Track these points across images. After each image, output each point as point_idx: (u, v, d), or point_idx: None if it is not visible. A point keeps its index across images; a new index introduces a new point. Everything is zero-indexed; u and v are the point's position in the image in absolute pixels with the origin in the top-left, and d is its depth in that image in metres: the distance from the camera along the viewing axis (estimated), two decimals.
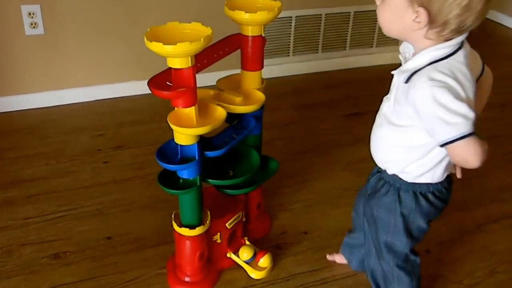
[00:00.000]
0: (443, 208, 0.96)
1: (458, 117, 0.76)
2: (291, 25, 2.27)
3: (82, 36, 1.96)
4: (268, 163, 1.32)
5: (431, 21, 0.76)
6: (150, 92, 0.98)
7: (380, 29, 2.60)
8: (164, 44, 0.88)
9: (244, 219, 1.29)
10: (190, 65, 0.95)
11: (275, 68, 2.34)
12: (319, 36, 2.36)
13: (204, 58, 1.07)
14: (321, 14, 2.29)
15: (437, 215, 0.97)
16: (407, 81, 0.80)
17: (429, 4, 0.75)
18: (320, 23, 2.32)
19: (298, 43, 2.34)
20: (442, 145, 0.80)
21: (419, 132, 0.83)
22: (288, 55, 2.36)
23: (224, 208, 1.23)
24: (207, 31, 0.95)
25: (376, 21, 2.40)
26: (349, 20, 2.36)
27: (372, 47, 2.48)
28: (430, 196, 0.92)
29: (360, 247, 1.19)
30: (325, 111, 2.08)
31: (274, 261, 1.28)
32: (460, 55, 0.80)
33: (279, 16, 2.35)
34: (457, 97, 0.76)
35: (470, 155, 0.78)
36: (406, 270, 1.03)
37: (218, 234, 1.21)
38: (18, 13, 1.84)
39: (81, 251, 1.32)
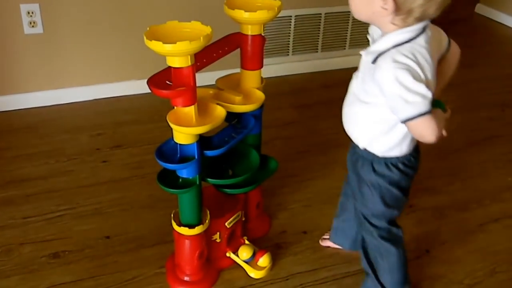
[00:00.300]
0: (413, 175, 1.05)
1: (417, 97, 0.84)
2: (290, 24, 2.28)
3: (81, 35, 1.96)
4: (268, 163, 1.33)
5: (397, 9, 0.84)
6: (149, 91, 0.99)
7: None
8: (163, 43, 0.89)
9: (243, 219, 1.29)
10: (189, 64, 0.95)
11: (275, 67, 2.34)
12: (318, 36, 2.37)
13: (203, 57, 1.08)
14: (320, 14, 2.30)
15: (409, 182, 1.05)
16: (373, 61, 0.88)
17: None
18: (320, 22, 2.32)
19: (298, 42, 2.35)
20: (402, 122, 0.88)
21: (383, 108, 0.91)
22: (288, 55, 2.36)
23: (224, 207, 1.23)
24: (207, 30, 0.96)
25: None
26: (348, 20, 2.36)
27: None
28: (401, 166, 1.01)
29: (350, 228, 1.26)
30: (325, 110, 2.09)
31: (274, 260, 1.29)
32: (422, 39, 0.87)
33: (278, 15, 2.35)
34: (417, 78, 0.83)
35: (427, 131, 0.87)
36: (391, 242, 1.10)
37: (218, 233, 1.21)
38: (17, 12, 1.84)
39: (80, 250, 1.33)
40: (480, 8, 3.34)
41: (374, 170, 1.01)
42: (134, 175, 1.63)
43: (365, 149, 1.02)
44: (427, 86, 0.84)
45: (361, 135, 1.02)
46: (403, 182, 1.03)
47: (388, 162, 1.00)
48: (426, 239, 1.41)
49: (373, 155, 1.01)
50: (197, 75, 1.00)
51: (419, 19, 0.86)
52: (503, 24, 3.11)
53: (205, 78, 1.35)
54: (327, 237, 1.38)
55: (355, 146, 1.06)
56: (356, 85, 0.99)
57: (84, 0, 1.91)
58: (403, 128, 0.94)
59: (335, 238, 1.34)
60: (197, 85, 1.01)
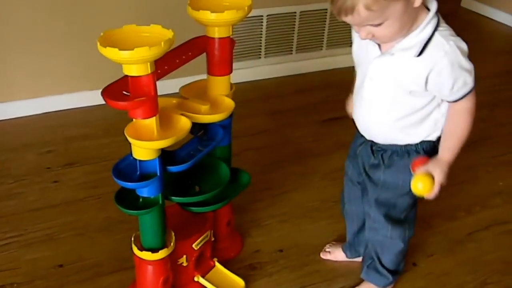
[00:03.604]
0: None
1: (471, 73, 0.99)
2: (262, 25, 2.31)
3: (27, 43, 1.92)
4: (239, 176, 1.34)
5: None
6: (104, 102, 0.98)
7: None
8: (120, 49, 0.89)
9: (213, 239, 1.29)
10: (149, 72, 0.95)
11: (246, 71, 2.36)
12: (293, 36, 2.40)
13: (165, 64, 1.08)
14: (295, 12, 2.33)
15: None
16: (420, 53, 0.96)
17: None
18: (294, 21, 2.36)
19: (271, 44, 2.38)
20: (456, 101, 1.01)
21: (423, 98, 1.02)
22: (260, 57, 2.39)
23: (191, 227, 1.23)
24: (168, 34, 0.96)
25: None
26: (325, 18, 2.41)
27: (351, 46, 2.53)
28: (435, 149, 1.10)
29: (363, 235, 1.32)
30: (301, 116, 2.12)
31: (247, 283, 1.29)
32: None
33: (249, 15, 2.38)
34: (466, 55, 0.97)
35: (473, 106, 1.03)
36: (407, 240, 1.24)
37: (184, 256, 1.21)
38: None
39: (30, 281, 1.30)
40: (466, 2, 3.47)
41: (410, 159, 1.10)
42: (89, 196, 1.60)
43: (396, 143, 1.11)
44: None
45: (401, 138, 1.09)
46: None
47: (425, 147, 1.10)
48: (413, 251, 1.44)
49: (409, 146, 1.10)
50: (158, 83, 1.00)
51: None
52: (490, 19, 3.22)
53: (169, 85, 1.36)
54: (329, 250, 1.42)
55: (380, 147, 1.13)
56: (376, 89, 1.05)
57: (31, 4, 1.88)
58: (436, 113, 1.06)
59: (354, 252, 1.40)
60: (159, 94, 1.01)
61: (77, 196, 1.60)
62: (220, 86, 1.20)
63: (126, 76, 0.96)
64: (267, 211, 1.58)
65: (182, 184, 1.21)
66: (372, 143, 1.14)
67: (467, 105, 1.02)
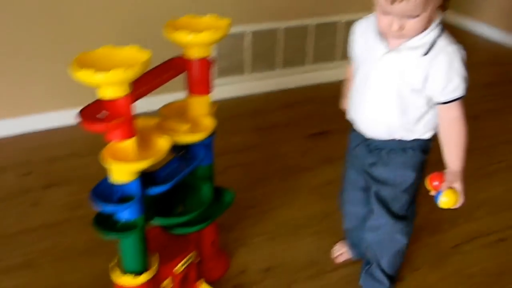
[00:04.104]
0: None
1: (464, 82, 1.06)
2: (246, 41, 2.31)
3: (6, 61, 1.90)
4: (222, 195, 1.31)
5: None
6: None
7: (343, 42, 2.65)
8: (95, 71, 0.87)
9: (197, 260, 1.26)
10: (126, 93, 0.94)
11: (230, 87, 2.36)
12: (277, 52, 2.40)
13: (144, 84, 1.06)
14: (278, 28, 2.34)
15: None
16: (426, 53, 1.03)
17: None
18: (278, 38, 2.36)
19: (255, 60, 2.37)
20: (450, 102, 1.06)
21: (423, 98, 1.07)
22: (244, 73, 2.38)
23: (174, 249, 1.20)
24: (145, 55, 0.94)
25: (339, 33, 2.49)
26: (309, 34, 2.42)
27: (334, 61, 2.55)
28: (429, 147, 1.17)
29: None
30: (287, 132, 2.11)
31: None
32: None
33: (232, 32, 2.38)
34: (464, 61, 1.05)
35: (462, 111, 1.08)
36: (408, 235, 1.27)
37: (168, 279, 1.18)
38: None
39: None
40: (447, 16, 3.51)
41: (411, 155, 1.15)
42: (70, 218, 1.57)
43: (400, 140, 1.14)
44: None
45: (401, 131, 1.13)
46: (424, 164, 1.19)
47: (421, 145, 1.15)
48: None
49: (410, 142, 1.14)
50: (138, 101, 0.99)
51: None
52: (470, 31, 3.26)
53: (150, 103, 1.34)
54: (340, 252, 1.45)
55: (378, 146, 1.17)
56: (382, 87, 1.09)
57: (7, 21, 1.85)
58: (431, 113, 1.11)
59: (357, 253, 1.42)
60: (140, 111, 1.00)
61: (58, 219, 1.57)
62: (200, 106, 1.18)
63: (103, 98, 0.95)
64: (253, 229, 1.55)
65: (163, 205, 1.18)
66: (369, 142, 1.18)
67: (456, 114, 1.08)
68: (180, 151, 1.20)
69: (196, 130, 1.15)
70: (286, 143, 2.03)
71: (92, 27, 2.00)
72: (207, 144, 1.20)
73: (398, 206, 1.21)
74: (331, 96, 2.48)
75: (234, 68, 2.35)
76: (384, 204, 1.20)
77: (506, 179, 1.82)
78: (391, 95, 1.08)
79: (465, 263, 1.45)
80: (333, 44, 2.50)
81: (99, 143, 0.99)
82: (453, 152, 1.10)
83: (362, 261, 1.36)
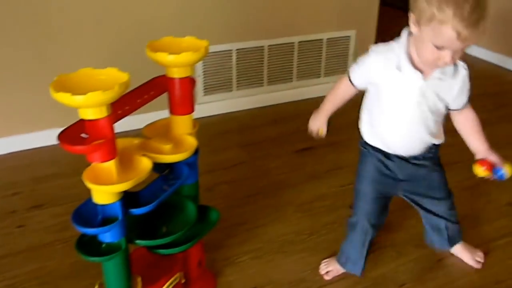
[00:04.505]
0: None
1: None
2: (232, 59, 2.32)
3: None
4: (208, 214, 1.30)
5: None
6: None
7: (327, 58, 2.69)
8: (73, 94, 0.87)
9: (183, 281, 1.25)
10: (105, 114, 0.93)
11: (218, 104, 2.36)
12: (263, 69, 2.42)
13: (125, 105, 1.06)
14: (263, 46, 2.36)
15: None
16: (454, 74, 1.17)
17: None
18: (263, 55, 2.38)
19: (241, 76, 2.39)
20: (464, 106, 1.23)
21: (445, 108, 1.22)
22: (231, 90, 2.39)
23: (159, 270, 1.19)
24: (124, 77, 0.94)
25: (322, 50, 2.51)
26: (293, 51, 2.44)
27: (319, 77, 2.57)
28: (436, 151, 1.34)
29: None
30: (274, 148, 2.11)
31: None
32: None
33: (218, 50, 2.40)
34: None
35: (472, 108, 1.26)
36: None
37: None
38: None
39: None
40: None
41: (438, 157, 1.33)
42: (56, 240, 1.54)
43: (431, 145, 1.28)
44: None
45: (432, 137, 1.26)
46: None
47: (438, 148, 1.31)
48: (384, 281, 1.42)
49: (434, 145, 1.29)
50: (121, 120, 0.98)
51: None
52: None
53: (133, 122, 1.35)
54: (329, 269, 1.44)
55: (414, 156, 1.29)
56: (423, 110, 1.19)
57: None
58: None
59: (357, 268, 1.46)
60: (123, 130, 0.99)
61: (43, 241, 1.54)
62: (182, 125, 1.18)
63: (83, 119, 0.94)
64: (240, 247, 1.54)
65: (148, 225, 1.17)
66: (404, 157, 1.27)
67: (470, 107, 1.24)
68: (163, 171, 1.19)
69: (179, 149, 1.14)
70: (273, 159, 2.02)
71: (76, 47, 2.00)
72: (190, 163, 1.19)
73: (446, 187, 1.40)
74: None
75: (221, 85, 2.36)
76: (445, 190, 1.39)
77: (488, 192, 1.82)
78: (431, 116, 1.20)
79: (449, 277, 1.45)
80: (318, 60, 2.53)
81: (84, 163, 0.98)
82: (479, 137, 1.25)
83: (360, 275, 1.41)
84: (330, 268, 1.44)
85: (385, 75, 1.17)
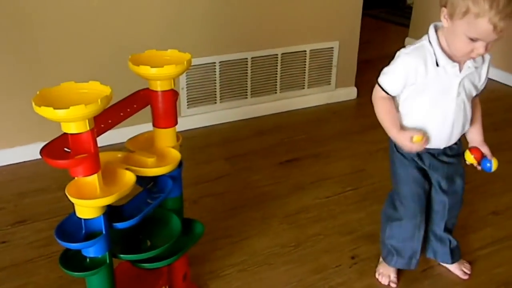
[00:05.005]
0: None
1: None
2: (215, 71, 2.34)
3: None
4: (192, 227, 1.31)
5: None
6: None
7: (311, 70, 2.73)
8: (55, 108, 0.88)
9: None
10: (88, 128, 0.94)
11: (202, 117, 2.38)
12: (246, 81, 2.45)
13: (108, 118, 1.07)
14: (246, 58, 2.39)
15: None
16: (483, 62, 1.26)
17: None
18: (247, 67, 2.41)
19: (225, 89, 2.41)
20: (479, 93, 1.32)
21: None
22: (215, 103, 2.41)
23: (143, 284, 1.19)
24: (106, 90, 0.96)
25: (305, 61, 2.56)
26: (277, 63, 2.48)
27: (303, 88, 2.61)
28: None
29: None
30: (259, 160, 2.13)
31: None
32: None
33: (202, 62, 2.43)
34: None
35: None
36: None
37: None
38: None
39: None
40: (409, 42, 3.65)
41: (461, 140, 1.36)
42: (40, 255, 1.53)
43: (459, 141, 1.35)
44: None
45: (468, 123, 1.31)
46: None
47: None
48: None
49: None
50: (105, 134, 0.99)
51: None
52: None
53: (116, 136, 1.35)
54: (386, 273, 1.48)
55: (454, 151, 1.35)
56: (462, 100, 1.25)
57: None
58: None
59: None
60: (107, 144, 1.00)
61: (27, 257, 1.53)
62: (166, 138, 1.19)
63: (66, 133, 0.95)
64: (226, 260, 1.54)
65: (132, 239, 1.17)
66: (441, 150, 1.33)
67: (477, 100, 1.34)
68: (147, 184, 1.20)
69: (162, 162, 1.15)
70: (258, 171, 2.04)
71: (59, 61, 2.01)
72: (174, 176, 1.20)
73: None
74: (302, 123, 2.55)
75: (205, 98, 2.38)
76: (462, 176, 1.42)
77: (472, 201, 1.86)
78: (466, 103, 1.26)
79: (435, 287, 1.47)
80: (301, 72, 2.57)
81: (68, 177, 0.99)
82: (481, 127, 1.34)
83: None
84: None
85: (425, 73, 1.20)
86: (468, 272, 1.50)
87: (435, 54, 1.19)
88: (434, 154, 1.34)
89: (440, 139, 1.30)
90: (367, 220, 1.73)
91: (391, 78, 1.25)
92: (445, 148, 1.33)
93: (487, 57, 1.26)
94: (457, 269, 1.50)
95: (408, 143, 1.24)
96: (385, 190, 1.88)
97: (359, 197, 1.87)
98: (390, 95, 1.27)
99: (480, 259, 1.57)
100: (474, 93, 1.29)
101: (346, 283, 1.46)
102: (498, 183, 1.35)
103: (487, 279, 1.49)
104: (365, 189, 1.92)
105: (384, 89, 1.26)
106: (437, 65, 1.20)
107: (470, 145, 1.34)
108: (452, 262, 1.50)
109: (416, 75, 1.21)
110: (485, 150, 1.32)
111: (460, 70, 1.21)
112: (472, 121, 1.32)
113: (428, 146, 1.29)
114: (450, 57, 1.20)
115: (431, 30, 1.21)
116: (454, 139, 1.32)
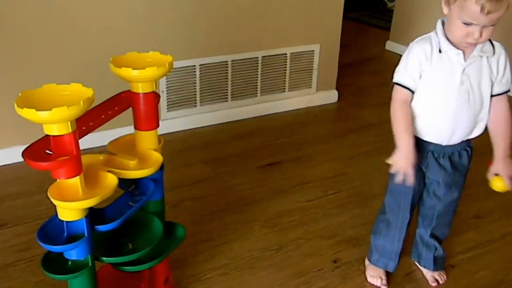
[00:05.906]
0: None
1: None
2: (195, 74, 2.38)
3: None
4: (174, 230, 1.34)
5: None
6: None
7: (292, 73, 2.77)
8: (37, 110, 0.90)
9: None
10: (70, 130, 0.97)
11: (182, 120, 2.41)
12: (227, 84, 2.49)
13: (90, 120, 1.10)
14: (227, 61, 2.43)
15: None
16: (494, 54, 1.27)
17: None
18: (227, 70, 2.45)
19: (205, 92, 2.45)
20: (501, 93, 1.29)
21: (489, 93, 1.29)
22: (196, 106, 2.45)
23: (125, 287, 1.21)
24: (88, 92, 0.98)
25: (286, 64, 2.61)
26: (257, 66, 2.53)
27: (284, 91, 2.66)
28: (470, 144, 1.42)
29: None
30: (239, 163, 2.17)
31: None
32: None
33: (182, 65, 2.45)
34: None
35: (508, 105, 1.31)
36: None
37: None
38: None
39: None
40: (389, 45, 3.75)
41: (471, 154, 1.39)
42: (20, 259, 1.54)
43: (468, 139, 1.35)
44: None
45: (477, 122, 1.31)
46: None
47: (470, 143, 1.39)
48: None
49: (470, 141, 1.36)
50: (86, 137, 1.01)
51: None
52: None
53: (98, 138, 1.37)
54: (378, 276, 1.53)
55: (456, 147, 1.35)
56: (468, 91, 1.26)
57: None
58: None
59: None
60: (88, 147, 1.02)
61: (7, 261, 1.54)
62: (147, 141, 1.22)
63: (48, 135, 0.97)
64: (207, 264, 1.57)
65: (114, 242, 1.20)
66: (445, 151, 1.34)
67: (506, 105, 1.30)
68: (129, 187, 1.22)
69: (144, 165, 1.18)
70: (239, 175, 2.08)
71: (40, 63, 2.01)
72: (156, 178, 1.23)
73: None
74: (282, 126, 2.60)
75: (185, 101, 2.41)
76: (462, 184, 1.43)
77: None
78: (472, 95, 1.26)
79: None
80: (282, 75, 2.62)
81: (49, 180, 1.01)
82: (507, 140, 1.30)
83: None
84: None
85: (430, 60, 1.25)
86: (440, 282, 1.52)
87: (439, 43, 1.25)
88: (434, 154, 1.35)
89: (440, 131, 1.30)
90: (349, 224, 1.78)
91: (406, 71, 1.28)
92: (452, 152, 1.35)
93: (500, 50, 1.27)
94: (430, 275, 1.54)
95: (401, 165, 1.29)
96: (367, 193, 1.96)
97: (340, 201, 1.92)
98: (411, 90, 1.28)
99: (463, 263, 1.61)
100: (488, 88, 1.27)
101: (328, 287, 1.51)
102: (482, 187, 1.40)
103: (470, 282, 1.54)
104: (346, 193, 1.97)
105: (403, 84, 1.29)
106: (441, 51, 1.25)
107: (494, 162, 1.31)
108: (434, 270, 1.53)
109: (425, 62, 1.26)
110: (501, 168, 1.28)
111: (466, 60, 1.24)
112: (496, 132, 1.30)
113: (429, 139, 1.32)
114: (454, 45, 1.24)
115: (439, 22, 1.27)
116: (457, 137, 1.31)
